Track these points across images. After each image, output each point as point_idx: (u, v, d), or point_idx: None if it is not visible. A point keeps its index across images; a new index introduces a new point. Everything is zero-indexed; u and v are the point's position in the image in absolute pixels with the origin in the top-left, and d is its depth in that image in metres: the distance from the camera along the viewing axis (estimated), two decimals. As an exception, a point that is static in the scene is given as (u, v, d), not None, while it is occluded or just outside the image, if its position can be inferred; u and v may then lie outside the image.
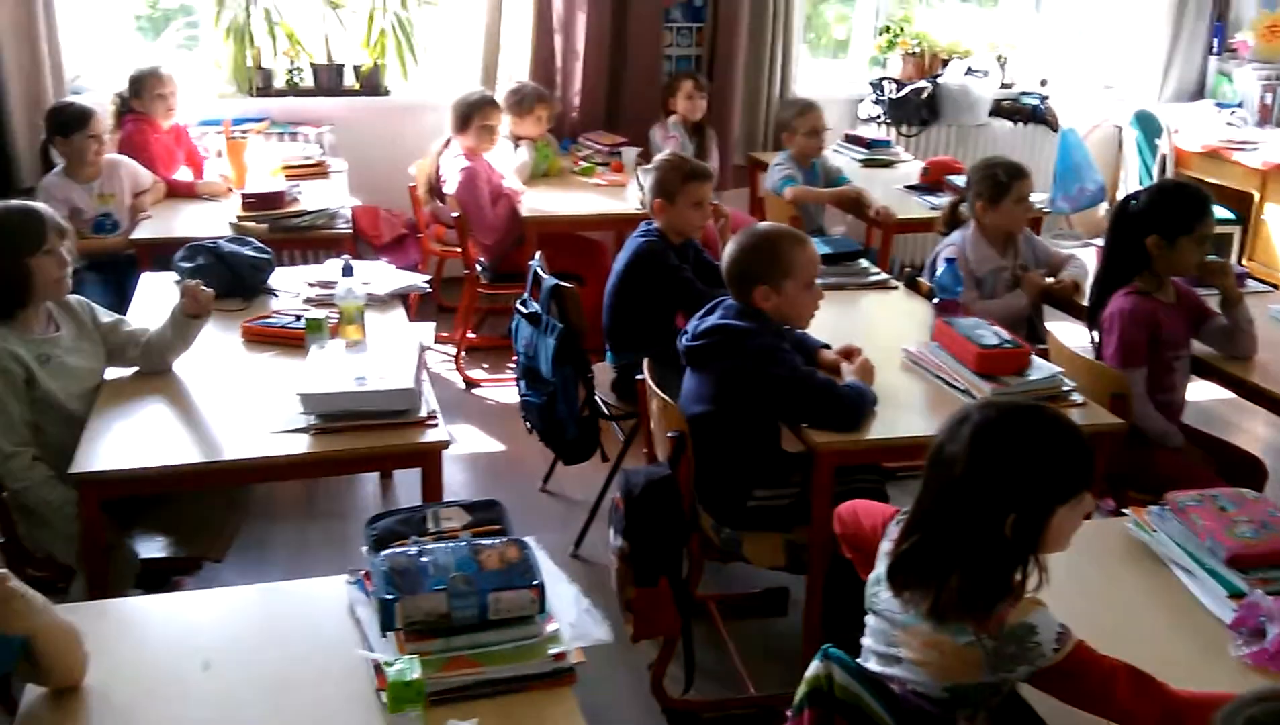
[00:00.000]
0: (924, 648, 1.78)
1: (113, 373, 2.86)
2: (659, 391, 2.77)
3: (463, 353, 4.87)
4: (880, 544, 1.91)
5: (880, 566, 1.88)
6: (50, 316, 2.75)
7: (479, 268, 4.73)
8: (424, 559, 1.75)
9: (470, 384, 4.76)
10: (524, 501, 3.82)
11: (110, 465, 2.44)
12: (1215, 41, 6.66)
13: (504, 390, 4.70)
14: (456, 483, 3.89)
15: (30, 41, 4.98)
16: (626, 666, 2.96)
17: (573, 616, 1.83)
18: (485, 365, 4.94)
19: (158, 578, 2.81)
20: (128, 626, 1.89)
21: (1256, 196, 5.86)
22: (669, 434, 2.67)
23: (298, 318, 3.12)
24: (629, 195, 4.75)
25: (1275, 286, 4.18)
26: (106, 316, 2.89)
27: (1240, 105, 6.44)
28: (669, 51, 5.79)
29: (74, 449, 2.49)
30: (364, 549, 1.94)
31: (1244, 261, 5.81)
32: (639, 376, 2.92)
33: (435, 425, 2.61)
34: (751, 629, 3.23)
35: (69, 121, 4.27)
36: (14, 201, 2.74)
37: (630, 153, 5.22)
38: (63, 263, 2.69)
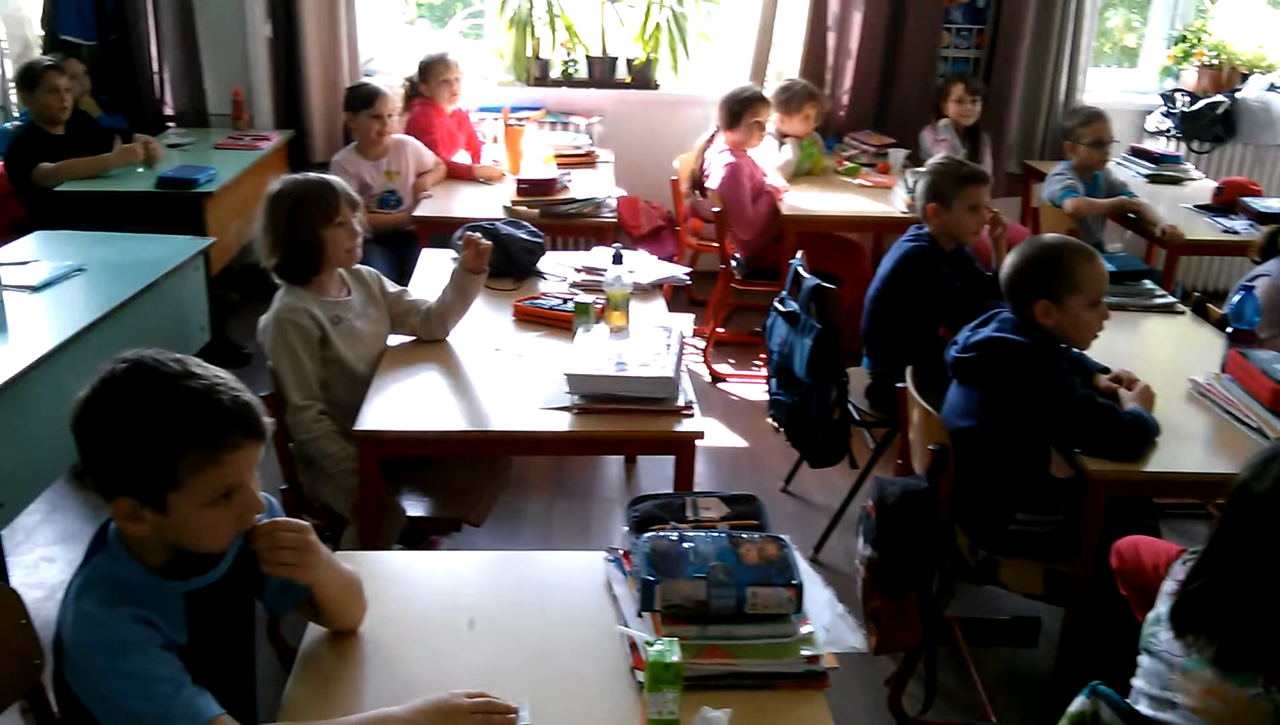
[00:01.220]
0: (1205, 695, 1.66)
1: (394, 340, 3.03)
2: (922, 402, 2.68)
3: (711, 346, 4.89)
4: (1163, 583, 1.79)
5: (1162, 606, 1.77)
6: (343, 282, 2.94)
7: (734, 263, 4.73)
8: (685, 545, 1.76)
9: (716, 378, 4.78)
10: (764, 499, 3.76)
11: (389, 426, 2.59)
12: None
13: (748, 387, 4.69)
14: (698, 474, 3.86)
15: (331, 26, 5.35)
16: (862, 678, 2.90)
17: (827, 620, 1.80)
18: (732, 360, 4.95)
19: (417, 535, 2.96)
20: (396, 578, 1.99)
21: None
22: (930, 447, 2.58)
23: (565, 301, 3.21)
24: (894, 198, 4.64)
25: None
26: (392, 286, 3.06)
27: None
28: (946, 53, 5.62)
29: (355, 408, 2.64)
30: (624, 529, 1.97)
31: None
32: (899, 384, 2.84)
33: (691, 415, 2.62)
34: (997, 656, 3.09)
35: (356, 101, 4.57)
36: (313, 174, 2.93)
37: (898, 154, 5.11)
38: (353, 234, 2.86)
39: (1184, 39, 5.97)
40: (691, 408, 2.64)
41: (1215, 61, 5.82)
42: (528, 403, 2.68)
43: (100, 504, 1.51)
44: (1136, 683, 1.80)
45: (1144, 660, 1.80)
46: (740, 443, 4.27)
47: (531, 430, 2.59)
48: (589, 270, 3.47)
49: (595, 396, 2.64)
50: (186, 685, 1.45)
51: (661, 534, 1.81)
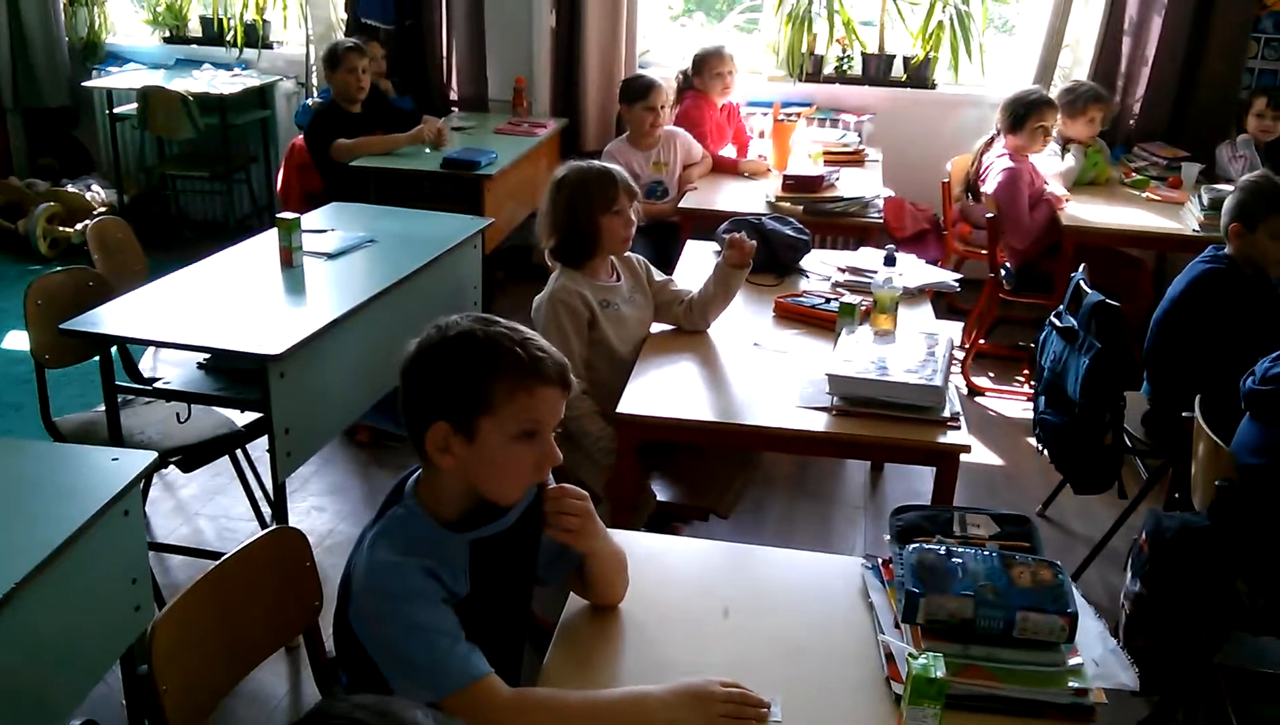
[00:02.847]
0: None
1: (655, 328, 3.09)
2: (1211, 433, 2.50)
3: (971, 358, 4.73)
4: None
5: None
6: (614, 268, 3.02)
7: (1003, 272, 4.56)
8: (953, 560, 1.71)
9: (974, 391, 4.62)
10: (1022, 522, 3.64)
11: (648, 411, 2.64)
12: None
13: (1008, 403, 4.51)
14: (951, 488, 3.80)
15: (612, 20, 5.50)
16: (1117, 717, 2.73)
17: (1098, 653, 1.71)
18: (991, 374, 4.77)
19: (663, 520, 3.01)
20: (650, 560, 2.01)
21: None
22: (1216, 482, 2.41)
23: (828, 300, 3.17)
24: (1186, 215, 4.34)
25: None
26: (659, 275, 3.13)
27: None
28: (1252, 64, 5.21)
29: (616, 390, 2.71)
30: (887, 537, 1.93)
31: None
32: (1186, 414, 2.66)
33: (958, 427, 2.54)
34: (1263, 713, 2.85)
35: (632, 92, 4.66)
36: (596, 163, 3.02)
37: (1192, 169, 4.78)
38: (629, 223, 2.94)
39: None
40: (959, 419, 2.56)
41: None
42: (784, 399, 2.67)
43: (368, 461, 1.61)
44: None
45: None
46: (996, 461, 4.11)
47: (788, 428, 2.58)
48: (854, 270, 3.43)
49: (855, 399, 2.60)
50: (462, 640, 1.53)
51: (929, 546, 1.77)
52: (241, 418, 3.21)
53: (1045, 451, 3.35)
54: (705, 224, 4.03)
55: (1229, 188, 3.53)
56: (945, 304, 5.14)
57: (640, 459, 2.82)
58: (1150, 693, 2.64)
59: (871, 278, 3.17)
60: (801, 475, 3.97)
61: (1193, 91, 5.20)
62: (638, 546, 2.10)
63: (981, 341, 4.81)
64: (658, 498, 2.91)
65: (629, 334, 2.97)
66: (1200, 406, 2.63)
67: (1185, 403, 2.74)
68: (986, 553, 1.76)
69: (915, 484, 3.79)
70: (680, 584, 1.97)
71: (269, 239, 3.46)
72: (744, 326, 3.13)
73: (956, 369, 4.70)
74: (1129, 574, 2.52)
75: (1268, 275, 3.18)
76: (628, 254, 3.07)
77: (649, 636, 1.79)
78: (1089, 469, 3.16)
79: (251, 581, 1.82)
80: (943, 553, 1.73)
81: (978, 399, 4.58)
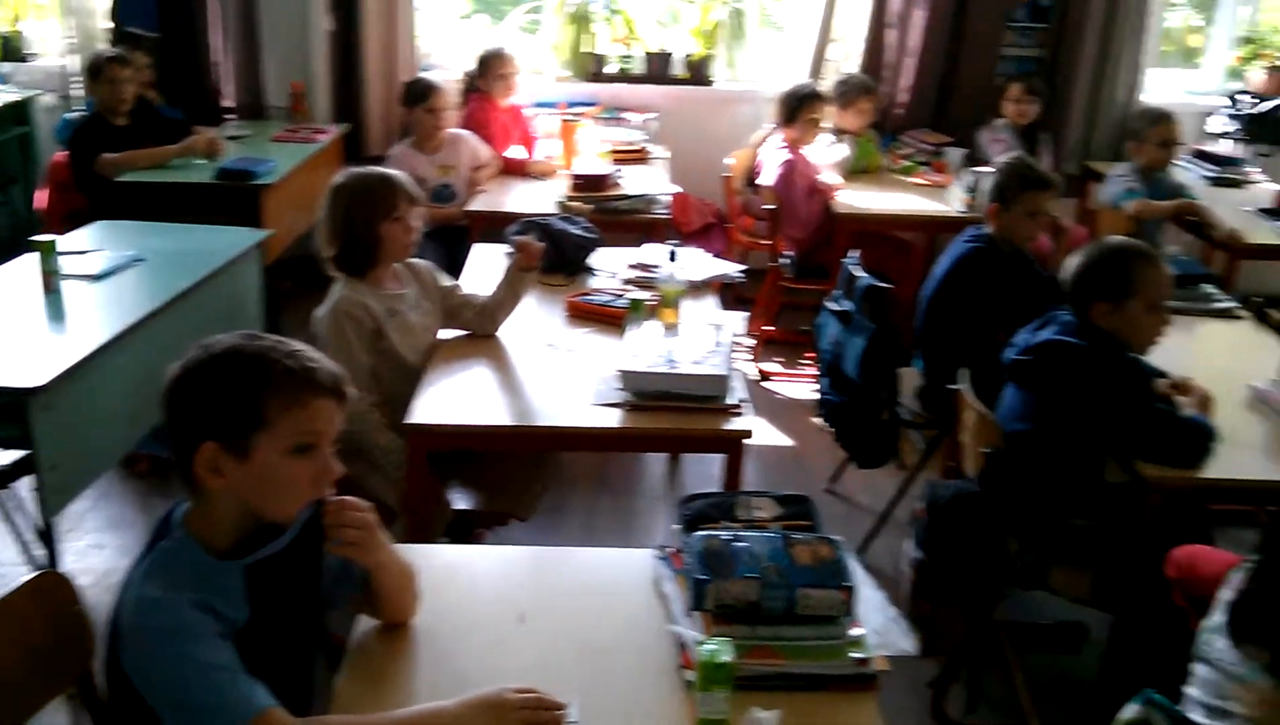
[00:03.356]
0: (1262, 705, 1.65)
1: (445, 334, 3.05)
2: (977, 404, 2.66)
3: (760, 345, 4.88)
4: (1221, 592, 1.77)
5: (1219, 615, 1.75)
6: (398, 275, 2.96)
7: (785, 261, 4.72)
8: (738, 545, 1.76)
9: (763, 376, 4.77)
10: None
11: (439, 419, 2.61)
12: None
13: (796, 385, 4.68)
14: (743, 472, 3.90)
15: (390, 21, 5.40)
16: (907, 679, 2.86)
17: (878, 623, 1.80)
18: (780, 359, 4.93)
19: (463, 529, 2.98)
20: (446, 572, 1.99)
21: None
22: (983, 450, 2.56)
23: (618, 297, 3.21)
24: (951, 197, 4.60)
25: None
26: (446, 280, 3.09)
27: None
28: (1008, 52, 5.54)
29: (407, 400, 2.67)
30: (675, 528, 1.97)
31: None
32: (952, 386, 2.82)
33: (741, 414, 2.62)
34: (1041, 662, 3.05)
35: (413, 95, 4.61)
36: (375, 169, 2.95)
37: (955, 154, 5.06)
38: (411, 229, 2.88)
39: (1250, 40, 5.85)
40: (741, 406, 2.63)
41: (1283, 63, 5.70)
42: (578, 398, 2.69)
43: (148, 492, 1.55)
44: (1191, 691, 1.78)
45: (1199, 669, 1.78)
46: (786, 442, 4.25)
47: (582, 426, 2.60)
48: (642, 267, 3.48)
49: (646, 393, 2.64)
50: (242, 674, 1.47)
51: (714, 533, 1.81)
52: (3, 456, 2.99)
53: (829, 430, 3.49)
54: (495, 226, 4.01)
55: (989, 170, 3.75)
56: (734, 294, 5.28)
57: (435, 468, 2.79)
58: (937, 653, 2.78)
59: (657, 273, 3.22)
60: (602, 471, 4.01)
61: (954, 80, 5.51)
62: (434, 558, 2.08)
63: (769, 328, 4.96)
64: (457, 506, 2.88)
65: (417, 342, 2.92)
66: (967, 379, 2.78)
67: (955, 376, 2.90)
68: (770, 535, 1.81)
69: (713, 469, 3.86)
70: (477, 593, 1.95)
71: (28, 263, 3.24)
72: (536, 327, 3.13)
73: (747, 356, 4.85)
74: (909, 542, 2.65)
75: (1024, 252, 3.40)
76: (413, 260, 3.02)
77: (444, 650, 1.77)
78: (870, 444, 3.32)
79: (15, 631, 1.71)
80: (728, 538, 1.78)
81: (767, 384, 4.73)
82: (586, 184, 4.36)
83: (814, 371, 4.57)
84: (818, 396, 3.57)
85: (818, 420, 3.61)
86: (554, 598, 1.93)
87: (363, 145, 5.51)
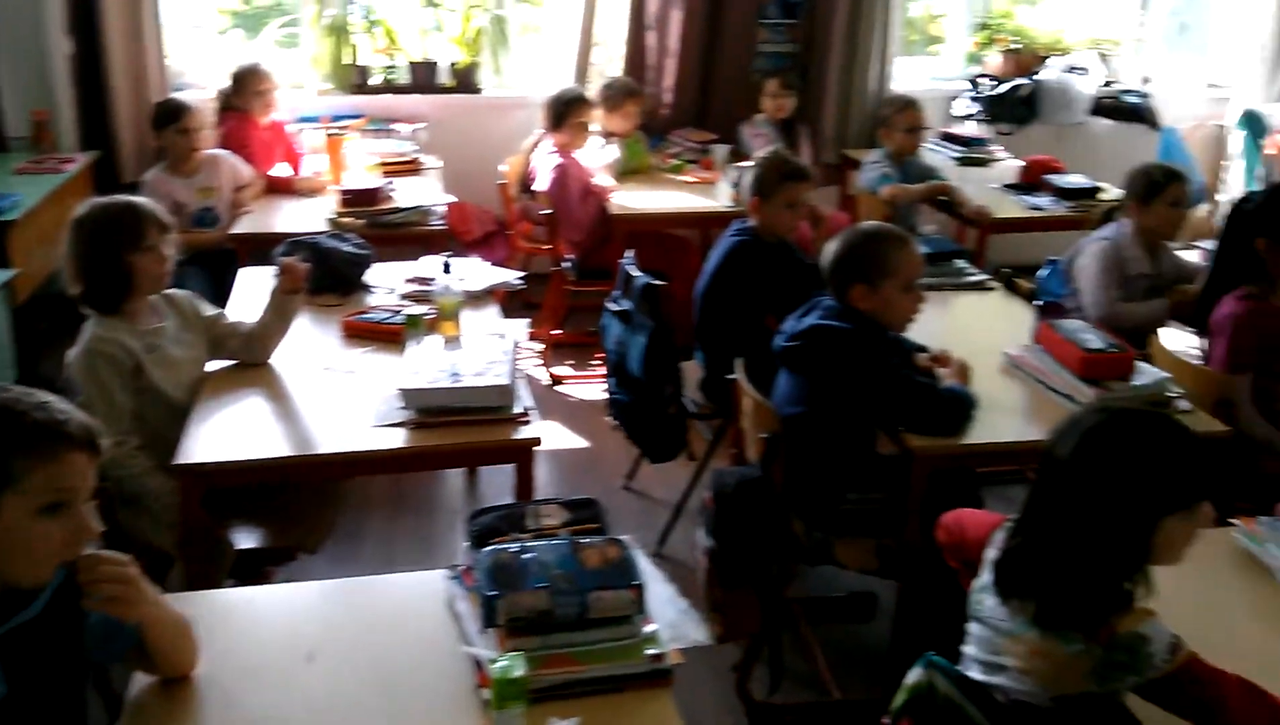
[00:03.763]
0: (1031, 656, 1.74)
1: (214, 366, 2.92)
2: (753, 391, 2.74)
3: (549, 349, 4.89)
4: (986, 552, 1.88)
5: (986, 574, 1.85)
6: (156, 308, 2.82)
7: (566, 265, 4.74)
8: (526, 556, 1.75)
9: (555, 380, 4.78)
10: (607, 499, 3.69)
11: (212, 456, 2.49)
12: (1328, 38, 6.40)
13: (588, 387, 4.71)
14: (540, 478, 3.86)
15: (136, 40, 5.12)
16: (710, 667, 2.94)
17: (670, 617, 1.82)
18: (571, 362, 4.96)
19: (251, 567, 2.86)
20: (230, 616, 1.92)
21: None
22: (762, 435, 2.64)
23: (395, 313, 3.15)
24: (719, 193, 4.72)
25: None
26: (209, 309, 2.95)
27: (1356, 105, 6.20)
28: (763, 48, 5.73)
29: (176, 439, 2.54)
30: (464, 545, 1.95)
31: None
32: (730, 376, 2.90)
33: (528, 422, 2.61)
34: (837, 633, 3.19)
35: (163, 117, 4.39)
36: (117, 197, 2.79)
37: (721, 150, 5.20)
38: (163, 259, 2.74)
39: (986, 26, 6.26)
40: (528, 414, 2.63)
41: (1017, 46, 6.12)
42: (360, 421, 2.63)
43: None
44: (967, 649, 1.88)
45: (973, 627, 1.87)
46: (582, 444, 4.28)
47: (364, 450, 2.54)
48: (419, 280, 3.42)
49: (430, 410, 2.60)
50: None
51: (502, 547, 1.80)
52: None
53: (621, 429, 3.53)
54: (262, 248, 3.85)
55: (751, 165, 3.87)
56: (521, 301, 5.27)
57: (212, 507, 2.67)
58: (736, 637, 2.86)
59: (433, 287, 3.18)
60: (398, 491, 3.93)
61: (714, 78, 5.66)
62: (217, 603, 2.00)
63: (557, 332, 4.98)
64: (239, 545, 2.76)
65: (182, 377, 2.78)
66: (742, 367, 2.87)
67: (733, 367, 2.98)
68: (558, 542, 1.82)
69: (512, 479, 3.86)
70: (262, 636, 1.88)
71: None
72: (311, 351, 3.04)
73: (538, 361, 4.85)
74: (700, 531, 2.71)
75: (787, 241, 3.53)
76: (171, 291, 2.87)
77: (228, 699, 1.70)
78: (660, 439, 3.38)
79: None
80: (516, 550, 1.77)
81: (559, 388, 4.75)
82: (356, 199, 4.26)
83: (603, 372, 4.63)
84: (607, 396, 3.60)
85: (610, 420, 3.64)
86: (346, 631, 1.88)
87: (116, 172, 5.21)
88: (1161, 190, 3.56)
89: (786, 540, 2.75)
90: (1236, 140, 6.23)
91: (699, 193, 4.86)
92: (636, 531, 3.55)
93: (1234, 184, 6.22)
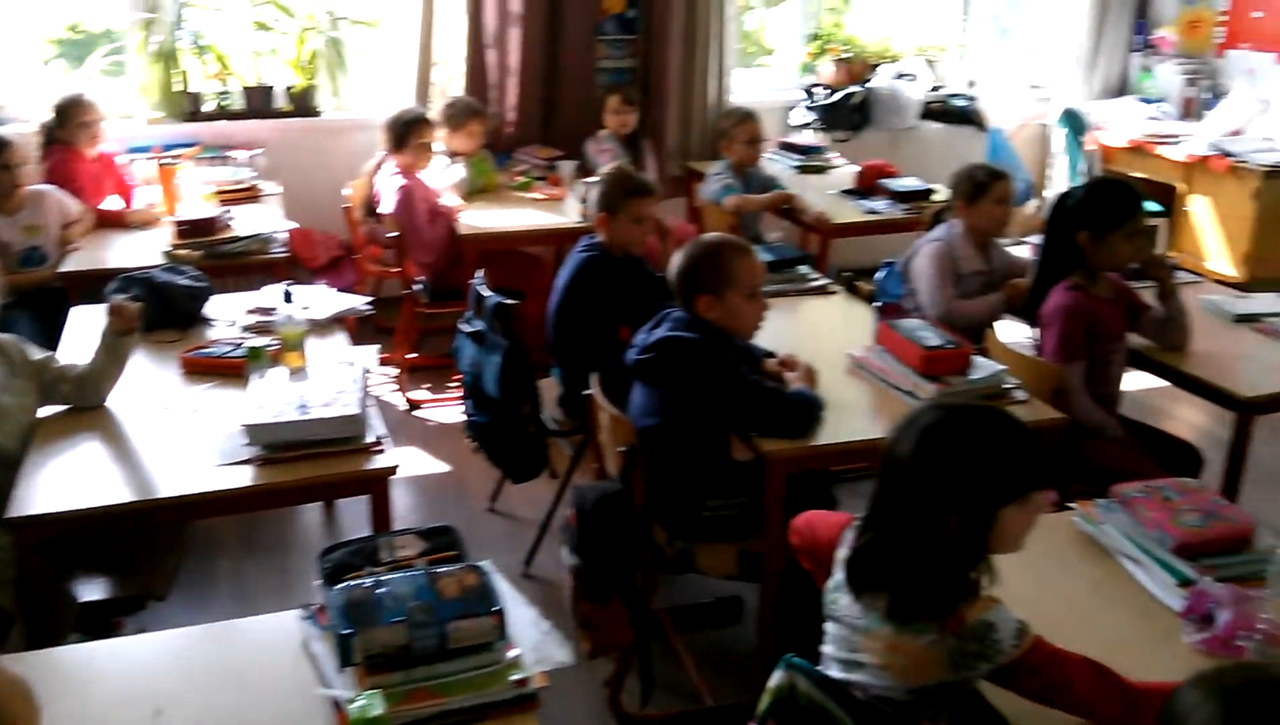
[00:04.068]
0: (887, 651, 1.78)
1: (47, 411, 2.79)
2: (608, 406, 2.76)
3: (404, 374, 4.82)
4: (838, 552, 1.92)
5: (839, 573, 1.89)
6: (-23, 356, 2.68)
7: (418, 287, 4.69)
8: (380, 590, 1.72)
9: (412, 405, 4.71)
10: (472, 522, 3.79)
11: (48, 507, 2.38)
12: (1137, 39, 6.81)
13: (446, 410, 4.66)
14: (402, 506, 3.85)
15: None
16: (582, 683, 2.94)
17: (533, 640, 1.81)
18: (428, 385, 4.90)
19: (98, 619, 2.73)
20: (74, 674, 1.84)
21: (1181, 189, 5.99)
22: (619, 448, 2.66)
23: (237, 346, 3.06)
24: (568, 209, 4.74)
25: (1202, 277, 4.28)
26: (37, 353, 2.82)
27: (1163, 100, 6.59)
28: (603, 64, 5.78)
29: (9, 491, 2.42)
30: (317, 583, 1.90)
31: (1170, 252, 5.94)
32: (586, 392, 2.91)
33: (382, 451, 2.57)
34: (706, 639, 3.22)
35: None
36: None
37: (567, 166, 5.22)
38: None
39: (818, 36, 6.44)
40: (382, 443, 2.58)
41: (847, 55, 6.32)
42: (205, 461, 2.54)
43: None
44: (826, 649, 1.91)
45: (830, 627, 1.91)
46: (443, 468, 4.23)
47: (210, 491, 2.45)
48: (260, 311, 3.33)
49: (278, 445, 2.54)
50: None
51: (355, 583, 1.76)
52: None
53: (481, 450, 3.51)
54: (95, 285, 3.68)
55: (597, 180, 3.90)
56: (374, 326, 5.19)
57: (52, 559, 2.54)
58: (607, 652, 2.86)
59: (275, 317, 3.10)
60: (250, 529, 3.81)
61: (557, 95, 5.68)
62: (59, 661, 1.91)
63: (412, 356, 4.92)
64: (83, 597, 2.63)
65: (12, 426, 2.64)
66: (597, 382, 2.88)
67: (589, 382, 2.99)
68: (414, 573, 1.79)
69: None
70: (109, 692, 1.80)
71: None
72: (150, 390, 2.92)
73: (394, 386, 4.78)
74: (565, 549, 2.70)
75: (635, 255, 3.56)
76: (-3, 336, 2.73)
77: (71, 762, 1.62)
78: (521, 459, 3.37)
79: None
80: (370, 585, 1.74)
81: (417, 412, 4.68)
82: (193, 229, 4.13)
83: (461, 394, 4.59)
84: (466, 419, 3.57)
85: (470, 442, 3.61)
86: (198, 680, 1.82)
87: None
88: (986, 190, 3.72)
89: (650, 551, 2.77)
90: (1059, 138, 6.57)
91: (548, 209, 4.86)
92: (503, 553, 3.57)
93: (1059, 180, 6.55)
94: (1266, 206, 5.55)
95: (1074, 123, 6.49)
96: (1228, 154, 5.73)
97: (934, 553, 1.75)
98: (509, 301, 3.25)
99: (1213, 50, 6.53)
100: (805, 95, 6.24)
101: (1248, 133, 6.04)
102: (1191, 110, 6.50)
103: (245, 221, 4.31)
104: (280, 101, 5.48)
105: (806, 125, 6.18)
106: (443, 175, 4.89)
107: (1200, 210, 5.91)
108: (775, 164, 5.56)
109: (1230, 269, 5.69)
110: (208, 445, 2.60)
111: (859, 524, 1.90)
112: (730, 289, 2.72)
